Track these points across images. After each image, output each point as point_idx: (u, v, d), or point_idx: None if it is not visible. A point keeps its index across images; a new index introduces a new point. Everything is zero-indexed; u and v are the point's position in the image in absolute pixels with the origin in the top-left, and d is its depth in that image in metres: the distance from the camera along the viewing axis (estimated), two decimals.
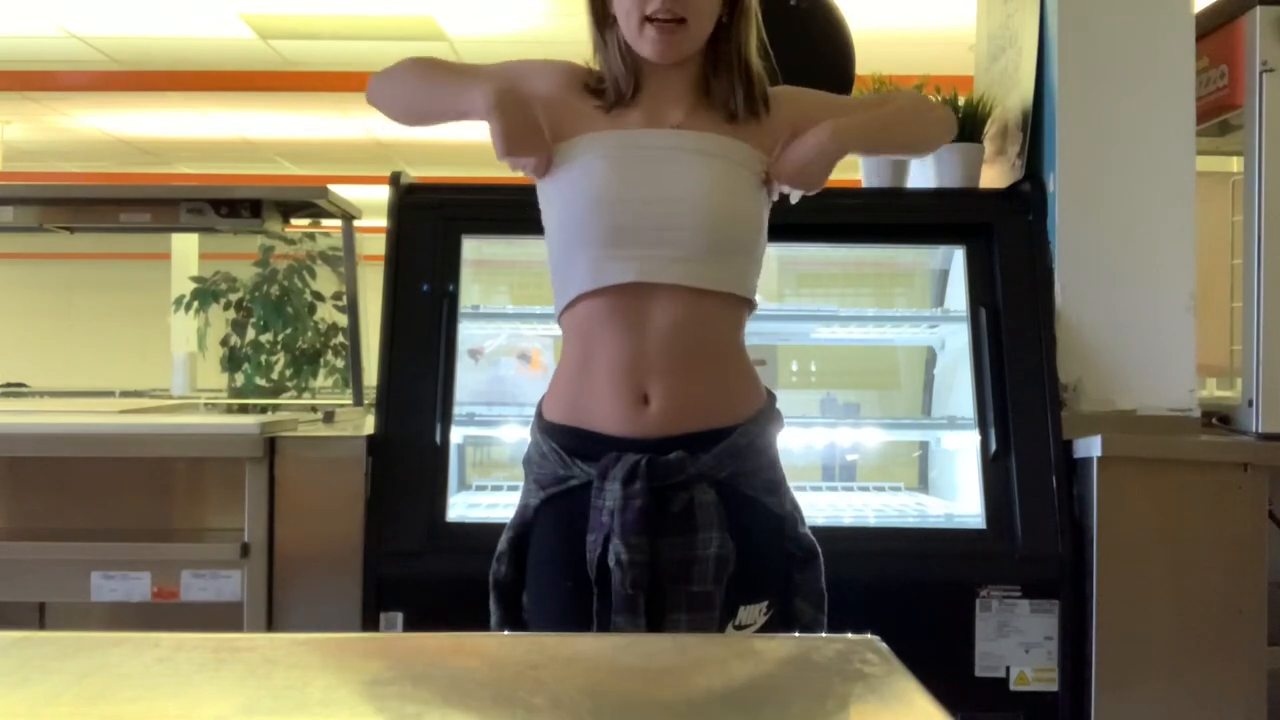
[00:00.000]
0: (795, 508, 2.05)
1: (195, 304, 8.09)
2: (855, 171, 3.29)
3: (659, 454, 1.90)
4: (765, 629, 1.93)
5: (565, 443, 1.96)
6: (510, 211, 2.59)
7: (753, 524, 1.95)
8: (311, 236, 7.80)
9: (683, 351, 1.93)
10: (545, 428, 2.00)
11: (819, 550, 2.04)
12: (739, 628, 1.91)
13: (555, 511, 1.96)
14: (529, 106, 1.95)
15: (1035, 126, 3.09)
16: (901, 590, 2.77)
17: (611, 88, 2.00)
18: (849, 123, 2.05)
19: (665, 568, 1.88)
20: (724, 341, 1.99)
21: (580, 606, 1.90)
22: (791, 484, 3.40)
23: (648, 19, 1.92)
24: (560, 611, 1.94)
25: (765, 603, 1.94)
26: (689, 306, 1.93)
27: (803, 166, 2.01)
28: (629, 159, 1.96)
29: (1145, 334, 2.98)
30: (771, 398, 2.05)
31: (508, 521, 2.06)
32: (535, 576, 1.99)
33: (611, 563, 1.87)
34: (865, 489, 3.51)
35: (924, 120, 2.16)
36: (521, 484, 2.08)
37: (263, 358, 7.96)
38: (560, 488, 1.96)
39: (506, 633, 1.92)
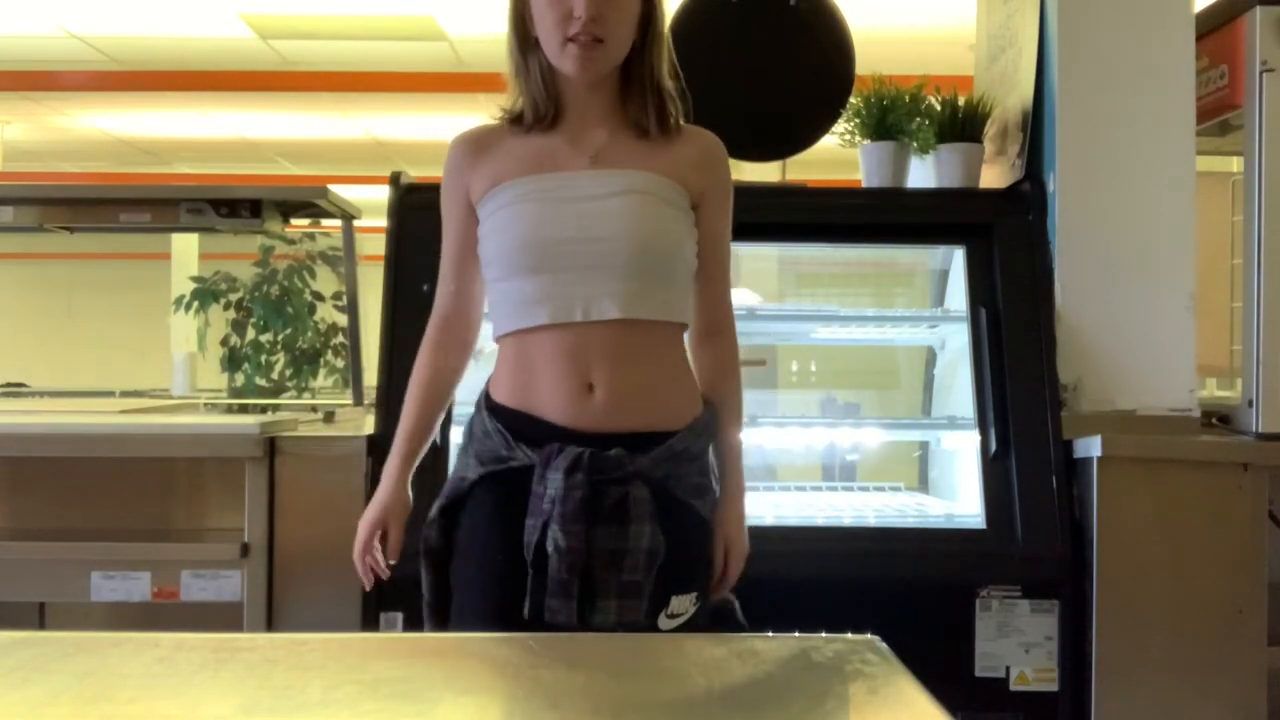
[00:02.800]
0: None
1: (195, 304, 8.09)
2: (855, 171, 3.29)
3: (600, 448, 1.97)
4: (692, 620, 2.02)
5: (511, 424, 2.03)
6: None
7: (683, 522, 2.03)
8: (311, 236, 7.80)
9: (624, 347, 2.02)
10: (492, 407, 2.07)
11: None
12: (671, 616, 2.00)
13: (492, 488, 2.03)
14: (377, 528, 2.15)
15: (1035, 126, 3.09)
16: (901, 590, 2.77)
17: (530, 110, 2.10)
18: (731, 506, 2.14)
19: (598, 556, 1.95)
20: (660, 345, 2.08)
21: (509, 581, 1.97)
22: (791, 484, 3.44)
23: (569, 39, 2.02)
24: (488, 583, 2.01)
25: (695, 593, 2.03)
26: (627, 326, 2.02)
27: (735, 567, 2.14)
28: (552, 202, 2.05)
29: (1145, 334, 2.98)
30: (710, 408, 2.12)
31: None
32: (466, 547, 2.05)
33: (550, 548, 1.94)
34: (865, 489, 3.51)
35: (736, 388, 2.21)
36: None
37: (263, 358, 7.96)
38: (500, 467, 2.03)
39: (506, 634, 1.92)
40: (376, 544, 2.14)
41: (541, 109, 2.09)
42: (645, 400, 2.02)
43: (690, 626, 2.01)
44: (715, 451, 2.18)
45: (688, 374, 2.11)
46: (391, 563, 2.14)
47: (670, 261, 2.07)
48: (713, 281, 2.18)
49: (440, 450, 2.84)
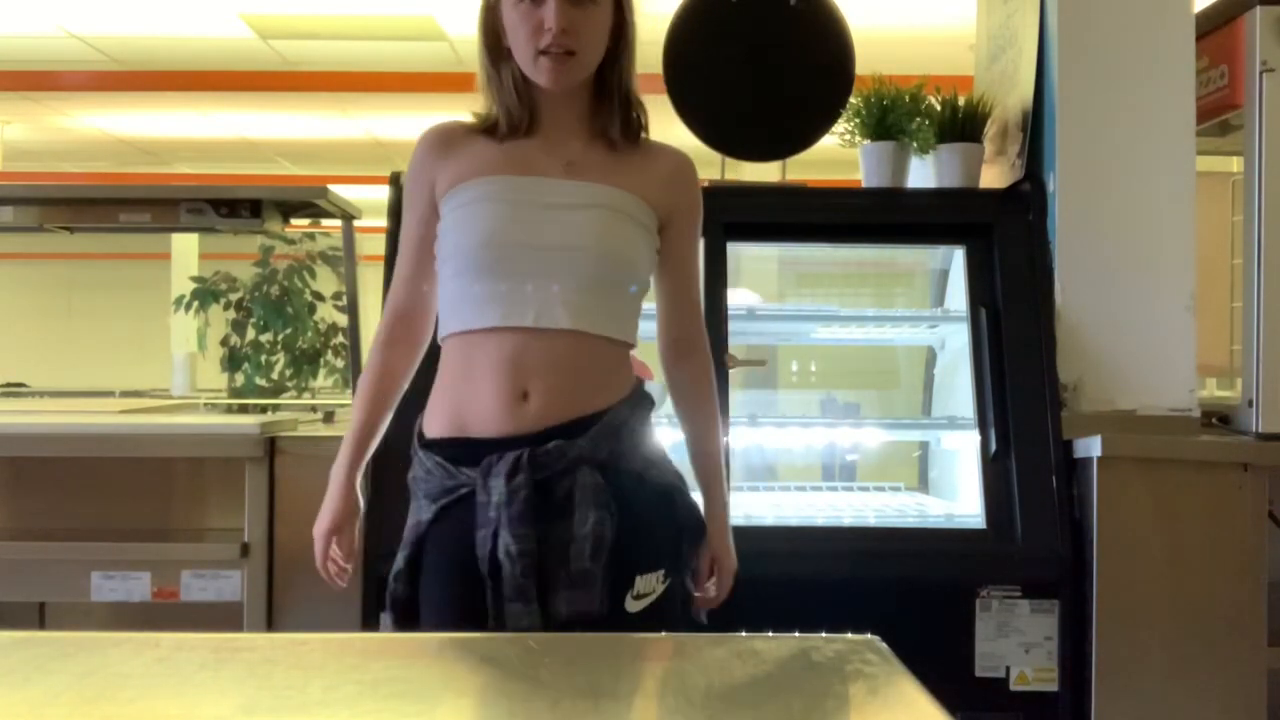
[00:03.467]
0: (679, 478, 2.12)
1: (195, 304, 8.10)
2: (855, 171, 3.29)
3: (538, 446, 1.96)
4: (662, 599, 2.00)
5: (448, 454, 2.02)
6: None
7: (638, 497, 2.01)
8: (311, 236, 7.81)
9: (566, 361, 2.01)
10: (426, 444, 2.06)
11: (705, 524, 2.13)
12: (638, 597, 1.98)
13: (448, 521, 2.01)
14: (331, 535, 2.13)
15: (1035, 126, 3.09)
16: (901, 590, 2.77)
17: (504, 119, 2.09)
18: (721, 521, 2.17)
19: (548, 552, 1.94)
20: (604, 360, 2.06)
21: (471, 608, 1.96)
22: (791, 484, 3.43)
23: (541, 52, 2.02)
24: (453, 615, 1.99)
25: (661, 571, 2.01)
26: (573, 340, 2.01)
27: (728, 583, 2.17)
28: (521, 205, 2.04)
29: (1145, 334, 2.98)
30: (640, 381, 2.12)
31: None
32: (428, 583, 2.03)
33: (502, 555, 1.93)
34: (865, 489, 3.51)
35: (714, 404, 2.22)
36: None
37: (263, 358, 7.97)
38: (451, 498, 2.01)
39: (505, 634, 1.92)
40: (335, 550, 2.13)
41: (515, 118, 2.08)
42: (578, 392, 2.01)
43: (662, 607, 1.99)
44: (695, 469, 2.19)
45: (622, 359, 2.09)
46: (348, 566, 2.14)
47: (626, 280, 2.07)
48: (681, 299, 2.18)
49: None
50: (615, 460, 2.00)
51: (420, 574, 2.04)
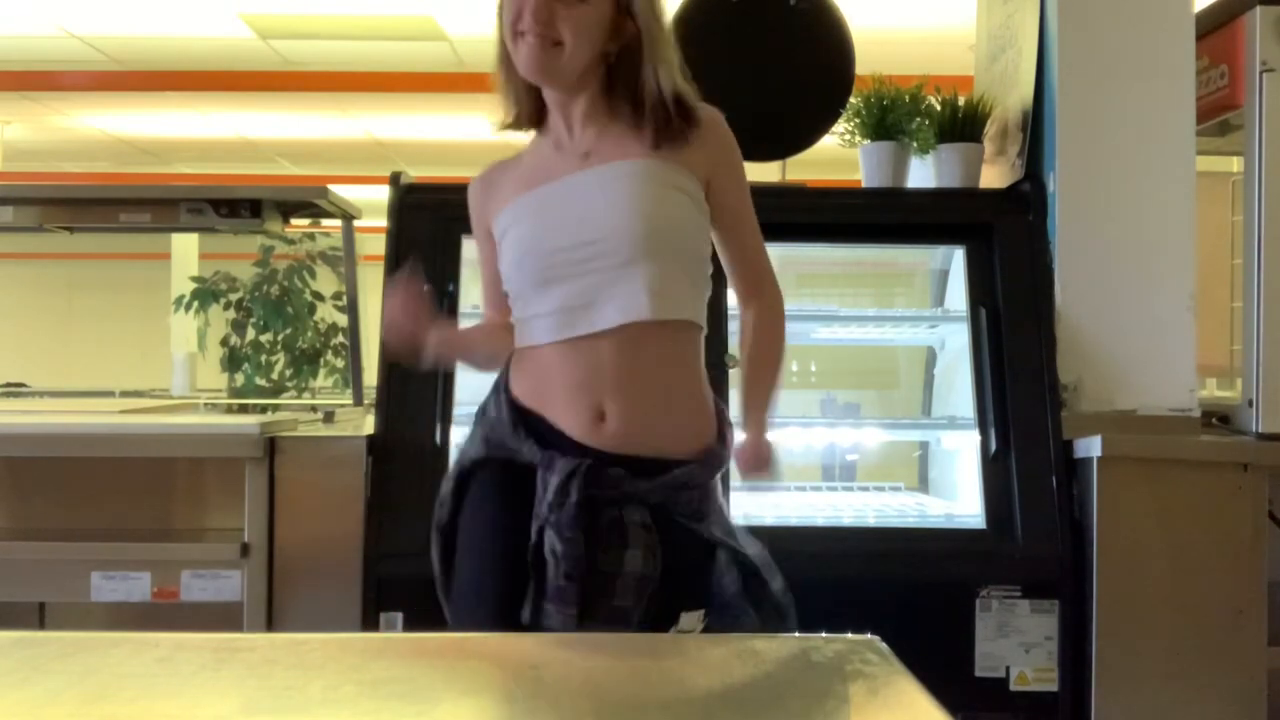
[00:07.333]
0: (728, 533, 2.08)
1: (195, 304, 8.11)
2: (855, 171, 3.29)
3: (604, 464, 1.96)
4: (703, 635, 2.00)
5: (525, 421, 2.02)
6: None
7: (683, 541, 2.01)
8: (311, 236, 7.82)
9: (636, 370, 2.00)
10: (510, 400, 2.05)
11: (771, 564, 2.08)
12: (680, 632, 1.98)
13: (493, 471, 2.03)
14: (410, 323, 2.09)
15: (1035, 126, 3.09)
16: (901, 590, 2.78)
17: (516, 114, 2.11)
18: (759, 423, 2.11)
19: (594, 577, 1.94)
20: (674, 360, 2.04)
21: (507, 579, 1.97)
22: (791, 484, 3.43)
23: (519, 34, 2.01)
24: (485, 585, 2.01)
25: (702, 611, 2.01)
26: (636, 336, 1.99)
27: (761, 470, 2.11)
28: (551, 210, 2.04)
29: (1145, 334, 2.98)
30: (722, 433, 2.07)
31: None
32: (466, 541, 2.05)
33: (547, 552, 1.94)
34: (865, 489, 3.51)
35: (781, 344, 2.19)
36: None
37: (263, 358, 7.98)
38: (503, 454, 2.03)
39: (506, 633, 1.92)
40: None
41: (526, 110, 2.09)
42: (656, 428, 2.00)
43: None
44: (741, 399, 2.14)
45: (702, 392, 2.06)
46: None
47: (676, 249, 2.01)
48: (740, 251, 2.15)
49: (441, 450, 2.85)
50: (671, 507, 1.99)
51: (460, 508, 2.06)
